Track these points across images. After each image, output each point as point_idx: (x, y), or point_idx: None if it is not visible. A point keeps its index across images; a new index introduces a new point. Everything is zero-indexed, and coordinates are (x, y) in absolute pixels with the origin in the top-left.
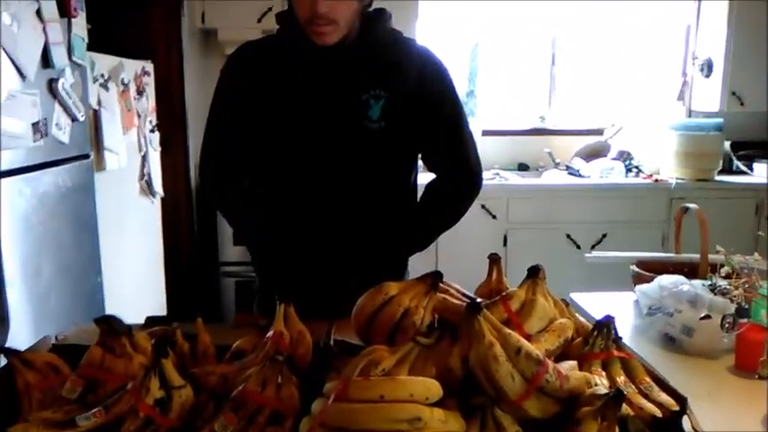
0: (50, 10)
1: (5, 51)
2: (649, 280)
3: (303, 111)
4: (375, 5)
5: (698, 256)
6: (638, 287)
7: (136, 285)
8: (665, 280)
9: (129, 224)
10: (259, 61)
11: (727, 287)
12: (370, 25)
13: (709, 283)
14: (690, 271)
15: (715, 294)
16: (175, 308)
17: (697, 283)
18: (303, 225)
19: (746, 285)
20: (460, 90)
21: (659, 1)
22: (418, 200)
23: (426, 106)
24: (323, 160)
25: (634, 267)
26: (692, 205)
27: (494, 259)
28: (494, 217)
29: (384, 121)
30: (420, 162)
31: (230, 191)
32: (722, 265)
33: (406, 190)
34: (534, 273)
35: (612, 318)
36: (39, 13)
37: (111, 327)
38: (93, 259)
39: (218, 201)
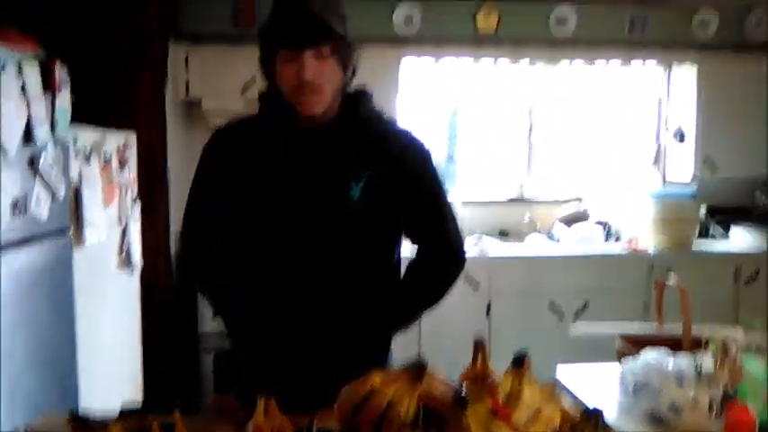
0: (35, 86)
1: None
2: (634, 354)
3: (284, 190)
4: (360, 78)
5: (679, 328)
6: (623, 363)
7: (112, 362)
8: (650, 355)
9: (106, 299)
10: (241, 140)
11: (712, 370)
12: (352, 105)
13: (695, 363)
14: (674, 344)
15: (701, 377)
16: (153, 383)
17: (682, 359)
18: (284, 301)
19: (731, 366)
20: (440, 154)
21: (630, 70)
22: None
23: (407, 186)
24: (304, 240)
25: (618, 341)
26: (671, 276)
27: (478, 345)
28: (476, 288)
29: (364, 201)
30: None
31: (207, 272)
32: (707, 342)
33: (388, 267)
34: (519, 362)
35: (600, 411)
36: (23, 89)
37: (83, 424)
38: (68, 339)
39: (196, 281)
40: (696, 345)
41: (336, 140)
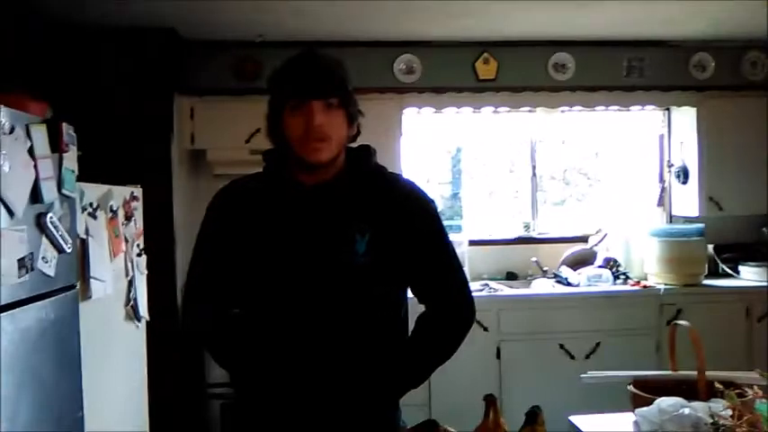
0: (42, 147)
1: None
2: (648, 401)
3: (290, 245)
4: (363, 125)
5: (695, 372)
6: (638, 411)
7: (119, 414)
8: (665, 403)
9: (112, 351)
10: (246, 197)
11: (729, 420)
12: (356, 161)
13: (710, 410)
14: (688, 389)
15: (719, 428)
16: None
17: (698, 405)
18: (291, 355)
19: (749, 414)
20: (443, 192)
21: (631, 112)
22: (409, 332)
23: (413, 240)
24: (310, 295)
25: (631, 388)
26: (683, 322)
27: (490, 400)
28: (485, 329)
29: (370, 255)
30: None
31: (212, 327)
32: (721, 392)
33: (396, 319)
34: (533, 419)
35: None
36: (31, 150)
37: None
38: (74, 395)
39: (201, 337)
40: (712, 389)
41: (342, 195)
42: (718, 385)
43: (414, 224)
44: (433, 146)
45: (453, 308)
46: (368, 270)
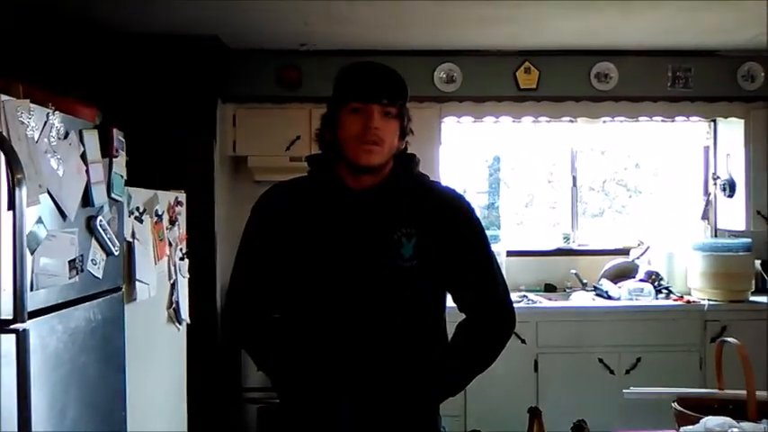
0: (94, 152)
1: (50, 195)
2: (693, 420)
3: (336, 251)
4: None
5: (743, 392)
6: (684, 429)
7: (159, 414)
8: (712, 422)
9: (154, 353)
10: (291, 201)
11: None
12: (402, 167)
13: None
14: (735, 408)
15: None
16: None
17: (747, 426)
18: (335, 359)
19: None
20: (481, 201)
21: (675, 123)
22: (449, 338)
23: (456, 247)
24: (356, 299)
25: (676, 405)
26: (731, 339)
27: (535, 414)
28: (523, 341)
29: (416, 259)
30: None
31: (255, 331)
32: None
33: (438, 326)
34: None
35: None
36: (83, 155)
37: None
38: (118, 394)
39: (244, 340)
40: (762, 409)
41: (388, 199)
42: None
43: (457, 230)
44: (472, 154)
45: (495, 316)
46: (414, 274)
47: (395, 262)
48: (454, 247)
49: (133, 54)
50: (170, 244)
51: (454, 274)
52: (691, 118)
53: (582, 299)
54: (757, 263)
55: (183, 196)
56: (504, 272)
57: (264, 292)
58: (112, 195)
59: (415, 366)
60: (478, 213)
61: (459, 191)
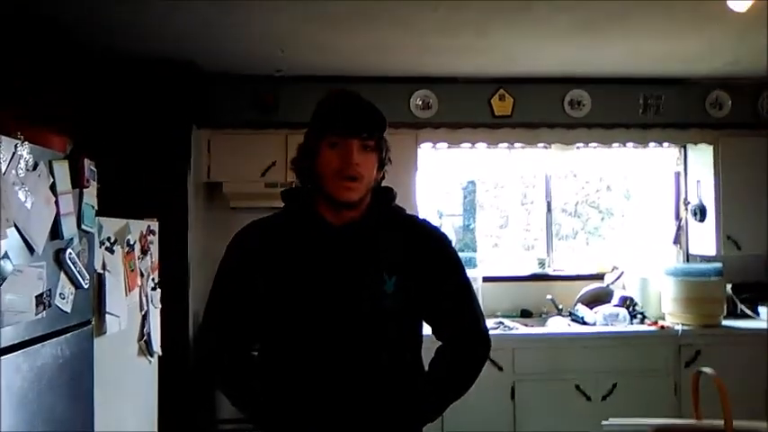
0: (64, 183)
1: (18, 229)
2: None
3: (318, 288)
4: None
5: (721, 422)
6: None
7: None
8: None
9: (124, 387)
10: (270, 237)
11: None
12: (380, 201)
13: None
14: None
15: None
16: None
17: None
18: (314, 400)
19: None
20: (457, 223)
21: (647, 149)
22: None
23: (434, 279)
24: (340, 336)
25: None
26: (708, 370)
27: None
28: (500, 368)
29: (398, 295)
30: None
31: (230, 368)
32: None
33: (417, 359)
34: None
35: None
36: (53, 186)
37: None
38: (86, 429)
39: (217, 377)
40: None
41: (369, 235)
42: None
43: (435, 263)
44: (447, 178)
45: (472, 344)
46: (396, 309)
47: (378, 298)
48: (432, 279)
49: (106, 78)
50: (142, 274)
51: (432, 305)
52: (662, 144)
53: (558, 324)
54: (729, 287)
55: (155, 225)
56: (480, 298)
57: (239, 328)
58: (83, 227)
59: (398, 402)
60: (453, 236)
61: (436, 221)
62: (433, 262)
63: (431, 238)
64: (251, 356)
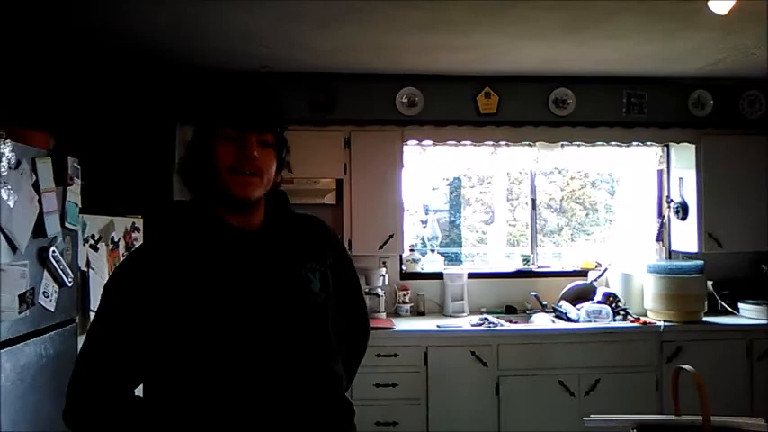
0: (47, 181)
1: (0, 227)
2: None
3: (244, 296)
4: (367, 156)
5: (700, 417)
6: None
7: None
8: None
9: None
10: (170, 257)
11: None
12: (277, 204)
13: None
14: None
15: None
16: None
17: None
18: (242, 412)
19: None
20: (442, 220)
21: (630, 148)
22: None
23: (341, 271)
24: (275, 342)
25: None
26: (687, 367)
27: None
28: (484, 364)
29: (324, 292)
30: None
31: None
32: None
33: (339, 354)
34: None
35: None
36: (36, 184)
37: None
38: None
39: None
40: None
41: (284, 237)
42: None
43: (335, 254)
44: (433, 174)
45: (363, 331)
46: (324, 306)
47: (307, 298)
48: (340, 271)
49: (89, 75)
50: None
51: (338, 294)
52: (645, 143)
53: (542, 320)
54: (709, 284)
55: (140, 222)
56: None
57: (116, 371)
58: (66, 224)
59: (327, 392)
60: (438, 230)
61: (422, 216)
62: (333, 254)
63: (327, 231)
64: (133, 397)
